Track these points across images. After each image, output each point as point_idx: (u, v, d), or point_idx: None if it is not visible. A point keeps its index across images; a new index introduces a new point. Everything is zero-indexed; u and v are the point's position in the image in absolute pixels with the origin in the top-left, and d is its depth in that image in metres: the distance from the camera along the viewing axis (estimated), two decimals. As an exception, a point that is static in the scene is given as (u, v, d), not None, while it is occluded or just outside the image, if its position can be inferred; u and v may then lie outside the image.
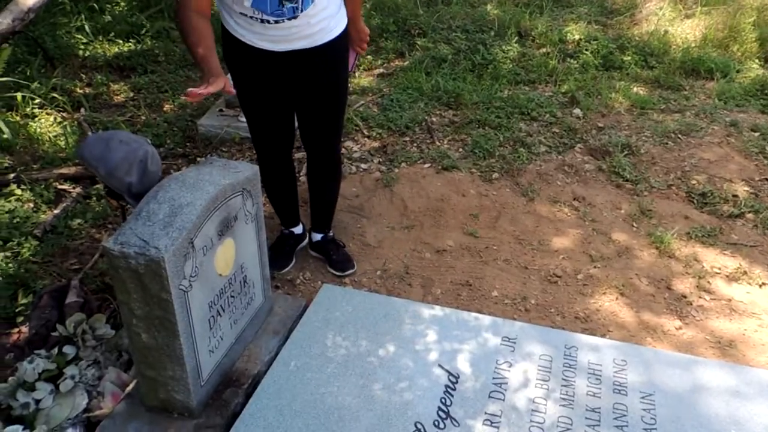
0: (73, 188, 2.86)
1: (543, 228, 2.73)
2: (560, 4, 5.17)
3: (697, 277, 2.43)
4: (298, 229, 2.58)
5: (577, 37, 4.42)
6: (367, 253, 2.60)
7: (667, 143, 3.30)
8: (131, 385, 1.84)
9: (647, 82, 3.98)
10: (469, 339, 2.03)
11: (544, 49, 4.34)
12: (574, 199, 2.90)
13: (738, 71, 4.04)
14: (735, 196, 2.87)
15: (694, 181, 2.99)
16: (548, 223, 2.76)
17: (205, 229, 1.64)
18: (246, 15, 1.90)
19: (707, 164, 3.11)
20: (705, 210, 2.81)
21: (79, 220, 2.64)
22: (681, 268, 2.48)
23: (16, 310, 2.19)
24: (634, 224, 2.74)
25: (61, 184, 2.87)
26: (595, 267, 2.50)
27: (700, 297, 2.34)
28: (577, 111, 3.59)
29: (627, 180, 3.02)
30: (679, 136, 3.36)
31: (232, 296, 1.85)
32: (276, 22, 1.90)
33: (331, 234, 2.55)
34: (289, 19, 1.90)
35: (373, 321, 2.10)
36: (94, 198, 2.78)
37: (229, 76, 2.03)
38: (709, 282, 2.41)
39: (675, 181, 3.00)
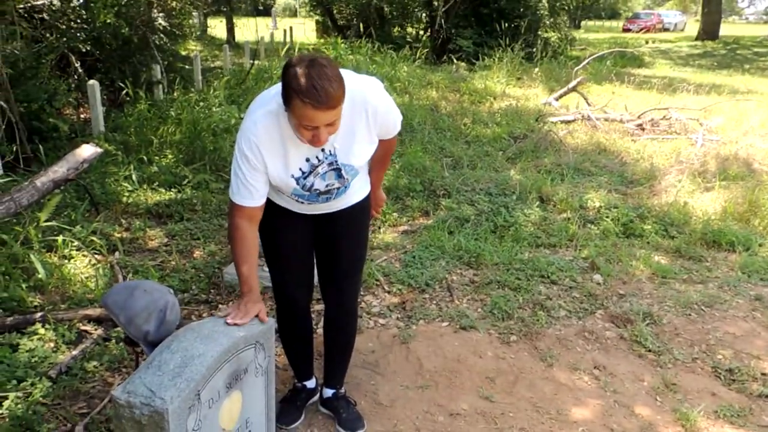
0: (95, 329, 2.92)
1: (562, 396, 2.63)
2: (581, 172, 5.41)
3: (728, 461, 2.28)
4: (310, 383, 2.54)
5: (597, 204, 4.56)
6: (379, 413, 2.52)
7: (690, 314, 3.25)
8: None
9: (668, 251, 4.02)
10: None
11: (564, 215, 4.48)
12: (595, 368, 2.83)
13: (760, 245, 4.07)
14: (764, 374, 2.76)
15: (720, 356, 2.91)
16: (567, 391, 2.67)
17: (214, 381, 1.64)
18: (284, 194, 2.07)
19: (733, 339, 3.04)
20: (733, 387, 2.69)
21: (95, 363, 2.66)
22: (710, 450, 2.34)
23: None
24: (658, 398, 2.63)
25: (84, 324, 2.93)
26: (617, 443, 2.37)
27: (732, 484, 2.18)
28: (597, 277, 3.61)
29: (650, 350, 2.95)
30: (703, 308, 3.32)
31: (233, 453, 1.80)
32: (311, 203, 2.08)
33: (342, 390, 2.51)
34: (322, 202, 2.09)
35: (379, 489, 1.99)
36: (114, 340, 2.82)
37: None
38: (741, 468, 2.25)
39: (700, 355, 2.92)
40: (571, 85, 8.80)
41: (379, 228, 4.33)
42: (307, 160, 1.94)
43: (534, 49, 12.69)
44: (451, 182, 4.90)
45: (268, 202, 2.13)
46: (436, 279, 3.55)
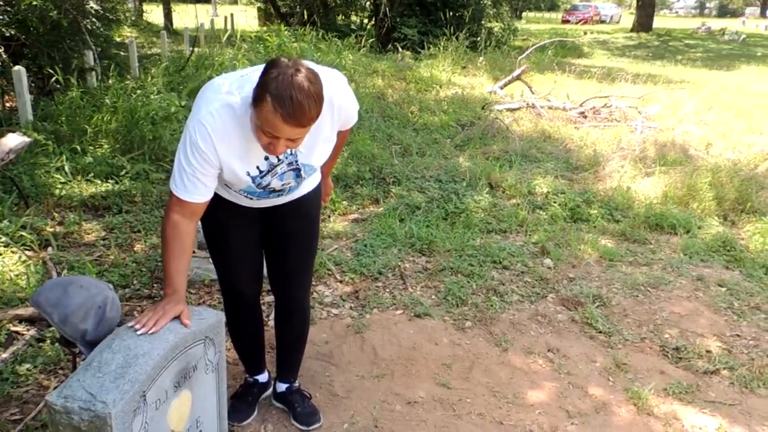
0: (27, 330, 2.72)
1: (517, 380, 2.63)
2: (528, 159, 5.47)
3: (679, 437, 2.33)
4: (263, 377, 2.44)
5: (545, 189, 4.61)
6: (335, 404, 2.46)
7: (637, 296, 3.32)
8: None
9: (614, 235, 4.11)
10: (441, 507, 1.86)
11: (514, 200, 4.51)
12: (549, 351, 2.84)
13: (699, 227, 4.21)
14: (708, 351, 2.84)
15: (666, 335, 2.97)
16: (523, 375, 2.67)
17: (161, 381, 1.54)
18: (232, 189, 1.94)
19: (678, 318, 3.12)
20: (680, 365, 2.76)
21: (28, 365, 2.48)
22: (661, 427, 2.38)
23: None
24: (610, 378, 2.67)
25: (15, 325, 2.73)
26: (572, 424, 2.39)
27: (684, 460, 2.22)
28: (547, 261, 3.64)
29: (600, 332, 2.99)
30: (649, 289, 3.40)
31: (183, 455, 1.70)
32: (259, 199, 1.97)
33: (296, 384, 2.42)
34: (273, 198, 1.98)
35: (338, 484, 1.93)
36: (48, 341, 2.64)
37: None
38: (691, 443, 2.30)
39: (648, 335, 2.98)
40: (515, 73, 8.90)
41: (329, 217, 4.24)
42: (266, 158, 1.81)
43: (478, 39, 12.81)
44: (401, 170, 4.85)
45: (214, 194, 2.01)
46: (389, 267, 3.50)
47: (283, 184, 1.91)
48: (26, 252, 3.44)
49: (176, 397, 1.61)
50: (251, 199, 1.96)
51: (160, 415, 1.55)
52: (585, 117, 7.44)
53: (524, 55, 10.10)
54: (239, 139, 1.73)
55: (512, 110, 7.59)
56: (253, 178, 1.83)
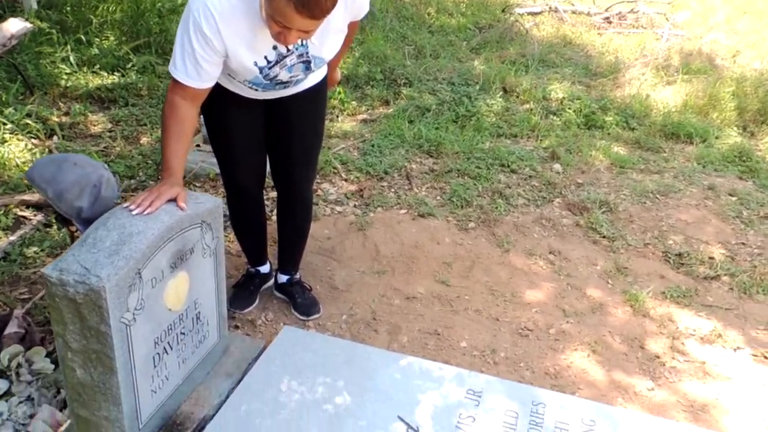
0: (34, 215, 2.76)
1: (517, 280, 2.66)
2: (546, 64, 5.27)
3: (671, 337, 2.36)
4: (264, 268, 2.48)
5: (560, 95, 4.47)
6: (335, 297, 2.51)
7: (645, 202, 3.28)
8: (64, 426, 1.71)
9: (628, 142, 4.01)
10: (432, 390, 1.93)
11: (527, 105, 4.38)
12: (550, 253, 2.85)
13: (717, 137, 4.09)
14: (711, 258, 2.83)
15: (671, 241, 2.96)
16: (522, 275, 2.69)
17: (156, 260, 1.55)
18: (237, 80, 1.87)
19: (684, 225, 3.09)
20: (681, 270, 2.76)
21: (35, 248, 2.53)
22: (655, 328, 2.42)
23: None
24: (610, 281, 2.68)
25: (21, 210, 2.77)
26: (567, 322, 2.43)
27: (673, 358, 2.26)
28: (557, 166, 3.58)
29: (604, 237, 2.98)
30: (658, 196, 3.35)
31: (182, 333, 1.75)
32: (265, 91, 1.89)
33: (297, 276, 2.46)
34: (278, 90, 1.91)
35: (333, 367, 1.99)
36: (55, 226, 2.68)
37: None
38: (683, 343, 2.34)
39: (652, 240, 2.97)
40: (539, -27, 8.41)
41: (338, 117, 4.16)
42: (275, 48, 1.71)
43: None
44: (413, 71, 4.70)
45: (216, 86, 1.95)
46: (395, 167, 3.47)
47: (291, 76, 1.83)
48: (32, 140, 3.44)
49: (173, 277, 1.63)
50: (256, 90, 1.90)
51: (156, 293, 1.57)
52: (609, 23, 7.08)
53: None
54: (247, 25, 1.63)
55: (534, 14, 7.23)
56: (261, 69, 1.75)
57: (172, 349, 1.71)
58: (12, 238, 2.54)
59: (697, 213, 3.19)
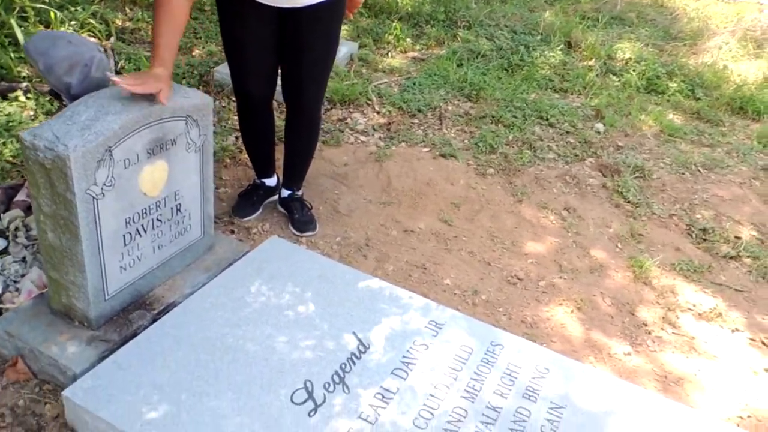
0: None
1: (521, 230, 2.60)
2: (622, 22, 4.95)
3: (666, 308, 2.26)
4: (270, 181, 2.55)
5: (627, 55, 4.21)
6: (334, 220, 2.55)
7: (683, 173, 3.09)
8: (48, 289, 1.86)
9: (687, 111, 3.75)
10: (395, 315, 1.95)
11: (588, 62, 4.16)
12: (564, 209, 2.76)
13: (791, 118, 3.75)
14: (738, 237, 2.65)
15: (698, 216, 2.79)
16: (529, 226, 2.63)
17: (131, 143, 1.63)
18: None
19: (719, 201, 2.89)
20: (701, 246, 2.61)
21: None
22: (652, 297, 2.31)
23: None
24: (619, 245, 2.57)
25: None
26: (560, 277, 2.36)
27: (662, 329, 2.17)
28: (598, 125, 3.41)
29: (628, 201, 2.85)
30: (700, 169, 3.14)
31: (158, 220, 1.84)
32: None
33: (299, 193, 2.52)
34: None
35: (306, 279, 2.04)
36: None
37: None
38: (677, 316, 2.23)
39: (679, 212, 2.80)
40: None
41: (389, 53, 4.12)
42: None
43: None
44: (476, 14, 4.55)
45: None
46: (430, 106, 3.42)
47: None
48: (92, 39, 3.62)
49: (150, 163, 1.71)
50: None
51: (129, 174, 1.66)
52: (712, -12, 6.52)
53: None
54: None
55: (629, -30, 6.77)
56: None
57: (146, 232, 1.81)
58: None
59: (738, 191, 2.97)
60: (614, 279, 2.38)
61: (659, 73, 4.00)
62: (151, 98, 1.63)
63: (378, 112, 3.35)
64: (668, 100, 3.82)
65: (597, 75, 3.96)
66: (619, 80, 3.97)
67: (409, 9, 4.63)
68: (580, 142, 3.26)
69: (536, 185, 2.89)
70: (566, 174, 2.99)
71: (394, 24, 4.32)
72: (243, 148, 2.72)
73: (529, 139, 3.21)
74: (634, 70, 4.03)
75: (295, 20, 2.03)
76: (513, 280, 2.33)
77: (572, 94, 3.79)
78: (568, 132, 3.34)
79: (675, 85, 3.94)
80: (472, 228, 2.59)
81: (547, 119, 3.40)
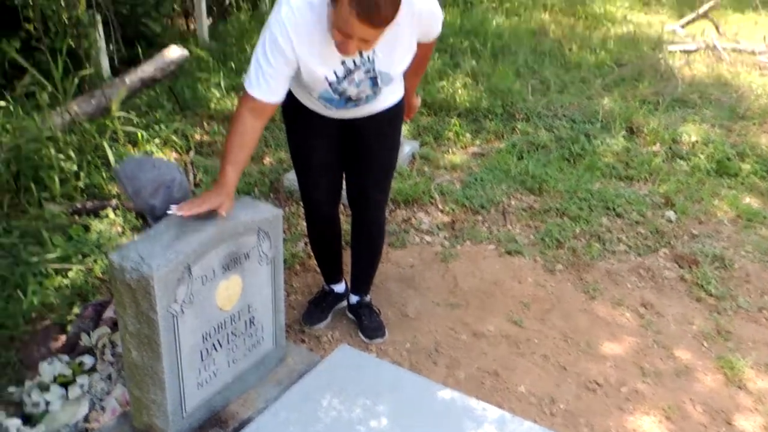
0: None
1: (596, 330, 2.51)
2: (685, 104, 4.90)
3: (767, 416, 2.08)
4: (339, 288, 2.59)
5: (693, 138, 4.14)
6: (403, 324, 2.54)
7: (768, 262, 2.93)
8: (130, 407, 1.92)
9: (764, 194, 3.60)
10: (469, 429, 1.88)
11: (652, 147, 4.11)
12: (641, 305, 2.65)
13: None
14: (838, 332, 2.45)
15: (791, 309, 2.61)
16: (604, 325, 2.53)
17: (208, 259, 1.71)
18: (312, 96, 2.02)
19: (813, 292, 2.71)
20: (797, 343, 2.43)
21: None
22: (749, 403, 2.14)
23: (69, 319, 2.39)
24: (705, 343, 2.43)
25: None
26: (644, 382, 2.24)
27: (763, 440, 2.00)
28: (669, 213, 3.32)
29: (711, 295, 2.71)
30: (787, 256, 2.97)
31: (233, 334, 1.89)
32: (338, 109, 2.02)
33: (367, 298, 2.54)
34: (350, 108, 2.02)
35: (377, 390, 2.02)
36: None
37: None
38: (780, 425, 2.05)
39: (768, 305, 2.64)
40: (701, 10, 7.86)
41: (449, 149, 4.21)
42: (343, 63, 1.84)
43: (670, -29, 11.37)
44: (533, 106, 4.62)
45: (296, 103, 2.11)
46: (493, 202, 3.43)
47: (359, 92, 1.93)
48: (173, 154, 3.89)
49: (225, 278, 1.78)
50: (330, 108, 2.03)
51: (206, 290, 1.73)
52: (778, 63, 6.41)
53: (717, -12, 8.81)
54: (318, 38, 1.76)
55: (687, 52, 6.76)
56: (330, 83, 1.87)
57: (221, 347, 1.86)
58: (136, 237, 2.90)
59: (833, 280, 2.78)
60: (704, 383, 2.23)
61: (729, 154, 3.90)
62: (214, 213, 1.71)
63: (441, 211, 3.39)
64: (742, 183, 3.69)
65: (663, 160, 3.89)
66: (687, 164, 3.88)
67: (467, 105, 4.76)
68: (651, 232, 3.17)
69: (608, 280, 2.80)
70: (640, 267, 2.89)
71: (453, 120, 4.44)
72: (312, 253, 2.80)
73: (596, 231, 3.15)
74: (702, 153, 3.94)
75: (356, 129, 2.13)
76: (592, 386, 2.23)
77: (638, 181, 3.72)
78: (637, 222, 3.26)
79: (748, 166, 3.81)
80: (544, 329, 2.52)
81: (614, 209, 3.34)
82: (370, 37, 1.66)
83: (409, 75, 2.19)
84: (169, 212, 1.67)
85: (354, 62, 1.85)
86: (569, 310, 2.61)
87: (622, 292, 2.72)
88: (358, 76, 1.89)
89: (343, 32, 1.65)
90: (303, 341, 2.42)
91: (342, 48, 1.71)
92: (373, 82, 1.92)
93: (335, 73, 1.86)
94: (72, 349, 2.14)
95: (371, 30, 1.62)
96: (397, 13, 1.63)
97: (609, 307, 2.63)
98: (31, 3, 4.09)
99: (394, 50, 1.87)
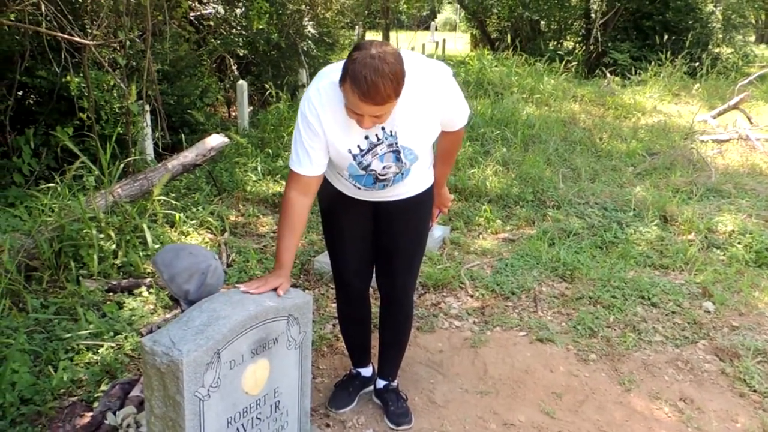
0: (188, 298, 3.18)
1: (633, 424, 2.40)
2: (720, 194, 4.88)
3: None
4: (366, 372, 2.56)
5: (729, 228, 4.08)
6: (430, 411, 2.48)
7: (815, 357, 2.80)
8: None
9: (807, 285, 3.49)
10: None
11: (687, 237, 4.06)
12: (681, 400, 2.54)
13: None
14: None
15: (842, 408, 2.47)
16: (641, 419, 2.42)
17: (237, 344, 1.72)
18: (343, 177, 2.11)
19: None
20: None
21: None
22: None
23: (96, 396, 2.41)
24: (750, 443, 2.30)
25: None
26: (685, 483, 2.11)
27: None
28: (707, 304, 3.23)
29: (754, 390, 2.58)
30: (834, 351, 2.84)
31: (258, 418, 1.87)
32: (368, 190, 2.10)
33: (395, 383, 2.49)
34: (379, 189, 2.09)
35: (402, 482, 1.95)
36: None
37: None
38: None
39: (816, 403, 2.50)
40: (732, 101, 7.95)
41: (480, 234, 4.24)
42: (366, 137, 1.93)
43: (698, 65, 11.64)
44: (564, 194, 4.66)
45: (330, 187, 2.18)
46: (524, 288, 3.40)
47: (384, 167, 2.00)
48: (209, 235, 4.01)
49: (253, 362, 1.79)
50: (359, 188, 2.09)
51: (234, 375, 1.74)
52: (813, 153, 6.38)
53: (747, 80, 8.95)
54: (341, 115, 1.87)
55: (720, 142, 6.80)
56: (355, 156, 1.96)
57: (246, 431, 1.84)
58: (167, 316, 2.95)
59: None
60: (750, 486, 2.10)
61: (768, 245, 3.83)
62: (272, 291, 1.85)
63: (471, 296, 3.37)
64: (783, 275, 3.59)
65: (699, 250, 3.83)
66: (724, 254, 3.81)
67: (498, 191, 4.82)
68: (688, 323, 3.08)
69: (645, 372, 2.71)
70: (677, 359, 2.79)
71: (484, 206, 4.49)
72: (340, 335, 2.79)
73: (631, 320, 3.08)
74: (739, 243, 3.88)
75: (387, 213, 2.18)
76: (629, 485, 2.11)
77: (674, 270, 3.66)
78: (674, 312, 3.17)
79: (788, 258, 3.73)
80: (578, 421, 2.42)
81: (649, 299, 3.27)
82: (377, 112, 1.76)
83: (438, 165, 2.26)
84: (241, 290, 1.80)
85: (377, 136, 1.94)
86: (604, 402, 2.52)
87: (660, 385, 2.62)
88: (381, 149, 1.97)
89: (353, 111, 1.77)
90: (328, 425, 2.38)
91: (359, 123, 1.82)
92: (397, 156, 1.99)
93: (359, 146, 1.95)
94: (97, 427, 2.14)
95: (376, 107, 1.73)
96: (400, 88, 1.73)
97: (646, 400, 2.53)
98: (86, 94, 4.40)
99: (416, 126, 1.95)
